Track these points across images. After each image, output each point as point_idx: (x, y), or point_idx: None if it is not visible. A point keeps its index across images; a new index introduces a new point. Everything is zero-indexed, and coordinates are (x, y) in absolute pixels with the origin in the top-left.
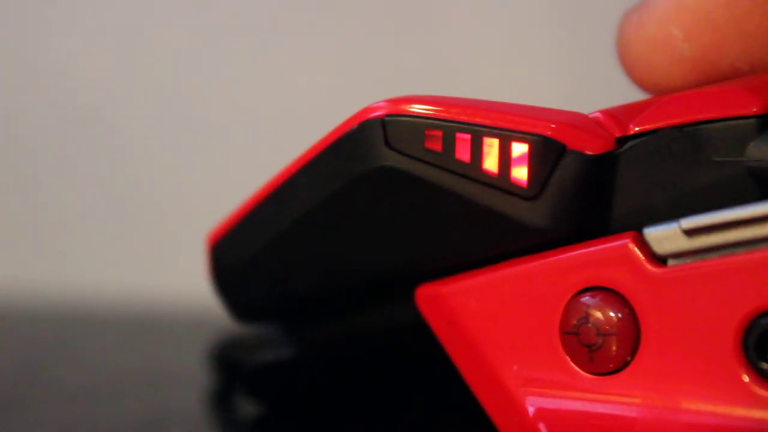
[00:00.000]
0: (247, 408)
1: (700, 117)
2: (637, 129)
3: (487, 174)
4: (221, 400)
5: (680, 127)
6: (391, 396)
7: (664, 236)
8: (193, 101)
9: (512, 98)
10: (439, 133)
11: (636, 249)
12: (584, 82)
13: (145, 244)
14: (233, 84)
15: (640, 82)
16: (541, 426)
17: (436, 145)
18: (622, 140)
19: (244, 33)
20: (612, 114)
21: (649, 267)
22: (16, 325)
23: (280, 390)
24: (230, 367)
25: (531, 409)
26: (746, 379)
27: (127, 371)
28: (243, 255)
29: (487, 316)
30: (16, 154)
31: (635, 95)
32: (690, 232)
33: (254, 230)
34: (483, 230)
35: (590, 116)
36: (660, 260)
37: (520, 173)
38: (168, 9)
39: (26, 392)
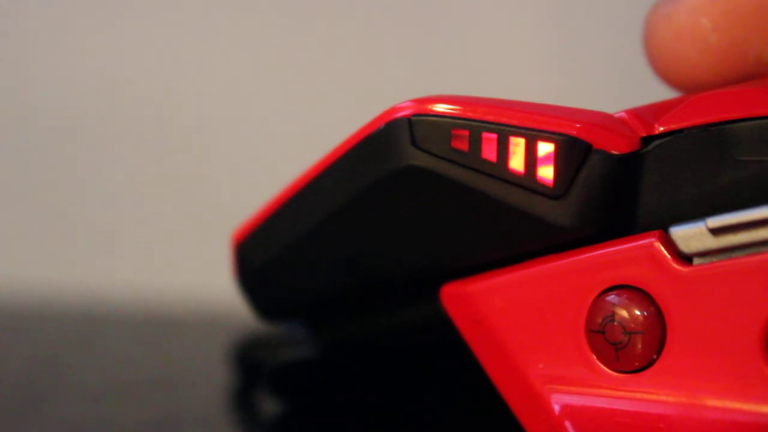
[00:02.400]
0: (269, 407)
1: (726, 117)
2: (662, 129)
3: (513, 173)
4: (242, 399)
5: (705, 127)
6: (413, 395)
7: (691, 235)
8: (200, 98)
9: (518, 97)
10: (465, 133)
11: (662, 248)
12: (587, 83)
13: (161, 241)
14: (241, 83)
15: (666, 74)
16: (567, 423)
17: (463, 145)
18: (647, 140)
19: (253, 31)
20: (637, 114)
21: (676, 266)
22: (31, 323)
23: (302, 389)
24: (252, 366)
25: (557, 407)
26: None
27: (143, 370)
28: (269, 254)
29: (513, 314)
30: (33, 155)
31: (651, 95)
32: (716, 231)
33: (280, 229)
34: (509, 229)
35: (615, 116)
36: (686, 259)
37: (547, 172)
38: (172, 7)
39: (41, 390)
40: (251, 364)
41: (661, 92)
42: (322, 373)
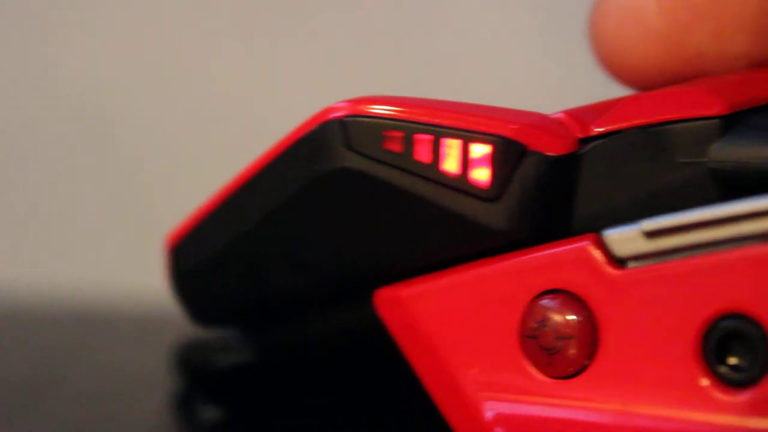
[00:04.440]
0: (208, 413)
1: (664, 118)
2: (599, 130)
3: (447, 175)
4: (183, 405)
5: (643, 128)
6: (350, 399)
7: (624, 238)
8: (197, 101)
9: (504, 97)
10: (398, 134)
11: (595, 251)
12: (575, 81)
13: (151, 244)
14: (238, 85)
15: (604, 56)
16: (499, 430)
17: (396, 146)
18: (584, 141)
19: (246, 34)
20: (575, 114)
21: (609, 269)
22: (31, 323)
23: (239, 394)
24: (192, 371)
25: (489, 414)
26: (706, 383)
27: (144, 369)
28: (202, 257)
29: (447, 319)
30: (33, 155)
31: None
32: (650, 234)
33: (214, 232)
34: (443, 232)
35: (552, 117)
36: (620, 262)
37: (481, 174)
38: (169, 10)
39: (41, 390)
40: (190, 370)
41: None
42: (259, 378)
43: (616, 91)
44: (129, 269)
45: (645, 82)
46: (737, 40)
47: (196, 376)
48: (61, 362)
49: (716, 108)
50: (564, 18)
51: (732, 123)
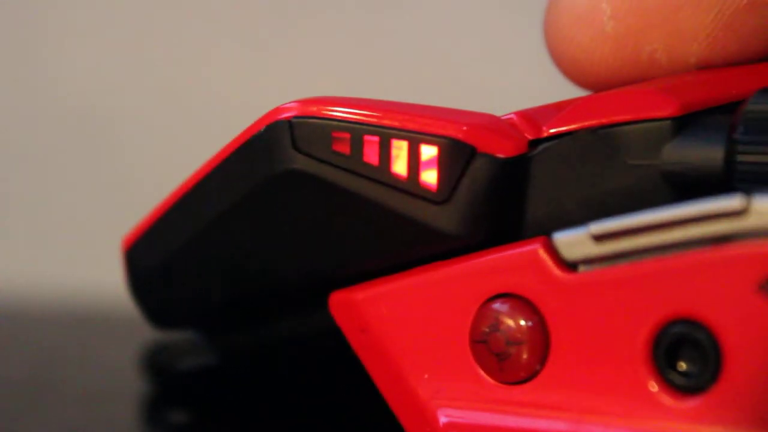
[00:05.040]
0: (172, 416)
1: (615, 119)
2: (550, 131)
3: (396, 177)
4: (151, 407)
5: (594, 130)
6: (308, 403)
7: (573, 241)
8: (196, 102)
9: (498, 97)
10: (346, 135)
11: (545, 254)
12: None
13: None
14: (234, 84)
15: (559, 59)
16: None
17: (344, 148)
18: (535, 143)
19: (243, 34)
20: (526, 115)
21: (558, 273)
22: (30, 323)
23: (200, 398)
24: (159, 374)
25: (443, 420)
26: (656, 388)
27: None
28: (156, 259)
29: (398, 323)
30: (20, 156)
31: None
32: (599, 238)
33: (166, 234)
34: (393, 235)
35: (503, 118)
36: (570, 266)
37: (430, 177)
38: (166, 10)
39: (41, 390)
40: (157, 372)
41: None
42: (218, 382)
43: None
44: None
45: (598, 84)
46: (689, 48)
47: (163, 377)
48: (58, 363)
49: (669, 109)
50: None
51: (684, 124)
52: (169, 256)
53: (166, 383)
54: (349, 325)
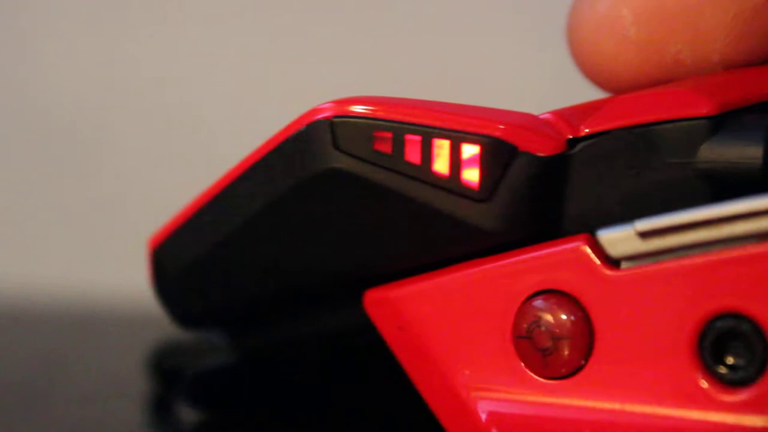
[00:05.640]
0: (188, 417)
1: (652, 118)
2: (588, 130)
3: (437, 176)
4: (160, 409)
5: (632, 129)
6: (337, 401)
7: (618, 238)
8: (186, 101)
9: (498, 97)
10: (388, 135)
11: (589, 251)
12: (569, 81)
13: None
14: (221, 87)
15: (584, 66)
16: (494, 431)
17: (386, 147)
18: (573, 142)
19: (235, 34)
20: (563, 115)
21: (603, 269)
22: (30, 323)
23: (222, 398)
24: (170, 375)
25: (483, 415)
26: (702, 382)
27: (133, 375)
28: (187, 259)
29: (438, 320)
30: (34, 155)
31: None
32: (644, 234)
33: (198, 234)
34: (434, 233)
35: (541, 117)
36: (613, 262)
37: (472, 175)
38: (154, 12)
39: (41, 390)
40: (168, 373)
41: None
42: (244, 381)
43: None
44: (125, 273)
45: (624, 88)
46: (713, 48)
47: (176, 378)
48: (55, 365)
49: (705, 108)
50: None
51: (720, 123)
52: (201, 256)
53: (173, 384)
54: (385, 322)
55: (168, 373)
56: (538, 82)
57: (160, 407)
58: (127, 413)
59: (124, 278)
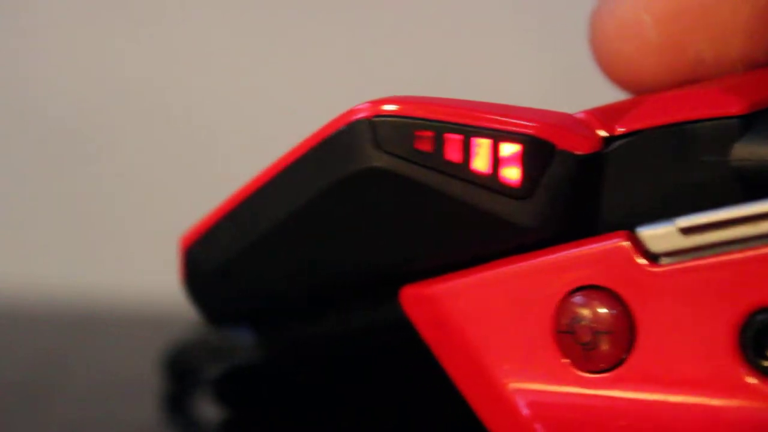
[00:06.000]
0: (213, 415)
1: (685, 117)
2: (623, 129)
3: (477, 174)
4: (179, 408)
5: (667, 127)
6: (368, 399)
7: (660, 234)
8: (203, 99)
9: (502, 97)
10: (429, 134)
11: (630, 247)
12: (568, 84)
13: (162, 240)
14: (224, 88)
15: (609, 70)
16: (537, 426)
17: (426, 146)
18: (609, 140)
19: (236, 33)
20: (597, 114)
21: (644, 265)
22: (30, 323)
23: (252, 396)
24: (191, 372)
25: (524, 410)
26: (743, 375)
27: (144, 369)
28: (221, 258)
29: (478, 316)
30: (34, 155)
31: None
32: (686, 231)
33: (234, 232)
34: (473, 230)
35: (577, 116)
36: (652, 258)
37: (511, 173)
38: (154, 12)
39: (41, 390)
40: (189, 370)
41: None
42: (273, 379)
43: (614, 89)
44: (126, 271)
45: (649, 90)
46: (733, 44)
47: (194, 377)
48: (58, 364)
49: (737, 107)
50: (561, 17)
51: (752, 122)
52: (236, 254)
53: (190, 383)
54: (423, 318)
55: (184, 372)
56: (539, 82)
57: (174, 406)
58: (120, 413)
59: (125, 278)
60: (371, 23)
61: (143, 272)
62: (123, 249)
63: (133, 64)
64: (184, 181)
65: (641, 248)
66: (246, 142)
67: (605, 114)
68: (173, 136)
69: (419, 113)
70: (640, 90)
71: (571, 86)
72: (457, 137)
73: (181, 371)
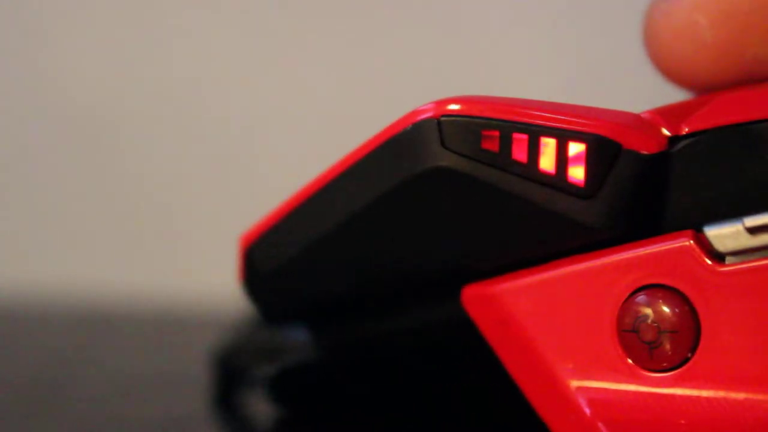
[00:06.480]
0: (267, 413)
1: (750, 117)
2: (688, 129)
3: (544, 174)
4: (229, 406)
5: (732, 127)
6: (426, 398)
7: (726, 234)
8: (195, 99)
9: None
10: (496, 134)
11: (696, 246)
12: (585, 79)
13: (167, 240)
14: (236, 83)
15: (667, 71)
16: (600, 425)
17: (493, 146)
18: (674, 140)
19: (246, 33)
20: (661, 113)
21: (710, 264)
22: (35, 323)
23: (309, 395)
24: (241, 371)
25: (588, 409)
26: None
27: (148, 369)
28: (282, 257)
29: (542, 315)
30: (35, 155)
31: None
32: (753, 230)
33: (295, 232)
34: (539, 229)
35: (642, 116)
36: (718, 257)
37: (577, 173)
38: (169, 8)
39: (44, 390)
40: (239, 369)
41: (669, 91)
42: (330, 378)
43: (622, 88)
44: (135, 271)
45: (706, 89)
46: None
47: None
48: (66, 364)
49: None
50: (575, 16)
51: None
52: (297, 253)
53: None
54: (484, 317)
55: (234, 371)
56: (552, 81)
57: (223, 405)
58: (120, 413)
59: (135, 277)
60: (373, 23)
61: (154, 271)
62: (129, 250)
63: (174, 60)
64: (185, 181)
65: (707, 248)
66: (284, 141)
67: (670, 114)
68: (179, 137)
69: (485, 113)
70: (700, 89)
71: (585, 86)
72: (524, 137)
73: (231, 370)
